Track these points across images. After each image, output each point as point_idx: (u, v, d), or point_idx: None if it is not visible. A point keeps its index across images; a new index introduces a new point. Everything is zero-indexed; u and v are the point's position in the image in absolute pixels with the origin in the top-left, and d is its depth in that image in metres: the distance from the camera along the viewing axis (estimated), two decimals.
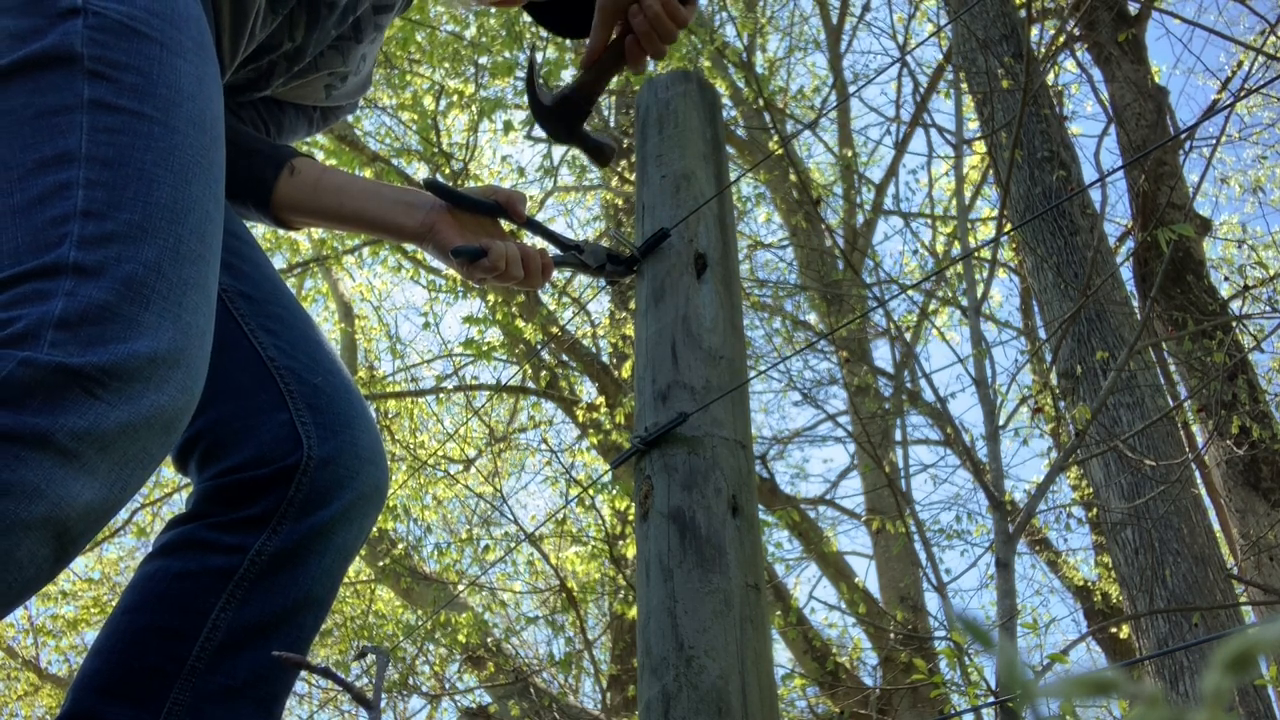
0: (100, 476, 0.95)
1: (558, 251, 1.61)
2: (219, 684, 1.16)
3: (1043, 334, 6.05)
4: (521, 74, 7.86)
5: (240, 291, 1.32)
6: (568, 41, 8.63)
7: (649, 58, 1.52)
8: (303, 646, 1.25)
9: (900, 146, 9.90)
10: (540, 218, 8.35)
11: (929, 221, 9.82)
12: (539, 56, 7.88)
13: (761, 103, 8.77)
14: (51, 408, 0.93)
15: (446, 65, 7.49)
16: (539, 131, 9.59)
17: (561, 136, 1.60)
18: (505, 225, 1.58)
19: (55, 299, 0.96)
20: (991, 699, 3.22)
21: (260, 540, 1.21)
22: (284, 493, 1.22)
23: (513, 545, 8.14)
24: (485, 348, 7.81)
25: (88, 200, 1.00)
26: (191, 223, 1.05)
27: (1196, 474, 5.48)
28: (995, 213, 7.92)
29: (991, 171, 6.38)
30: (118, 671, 1.15)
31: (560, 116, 1.59)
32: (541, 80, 1.62)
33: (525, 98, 1.65)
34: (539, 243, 1.63)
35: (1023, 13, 5.70)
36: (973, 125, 6.93)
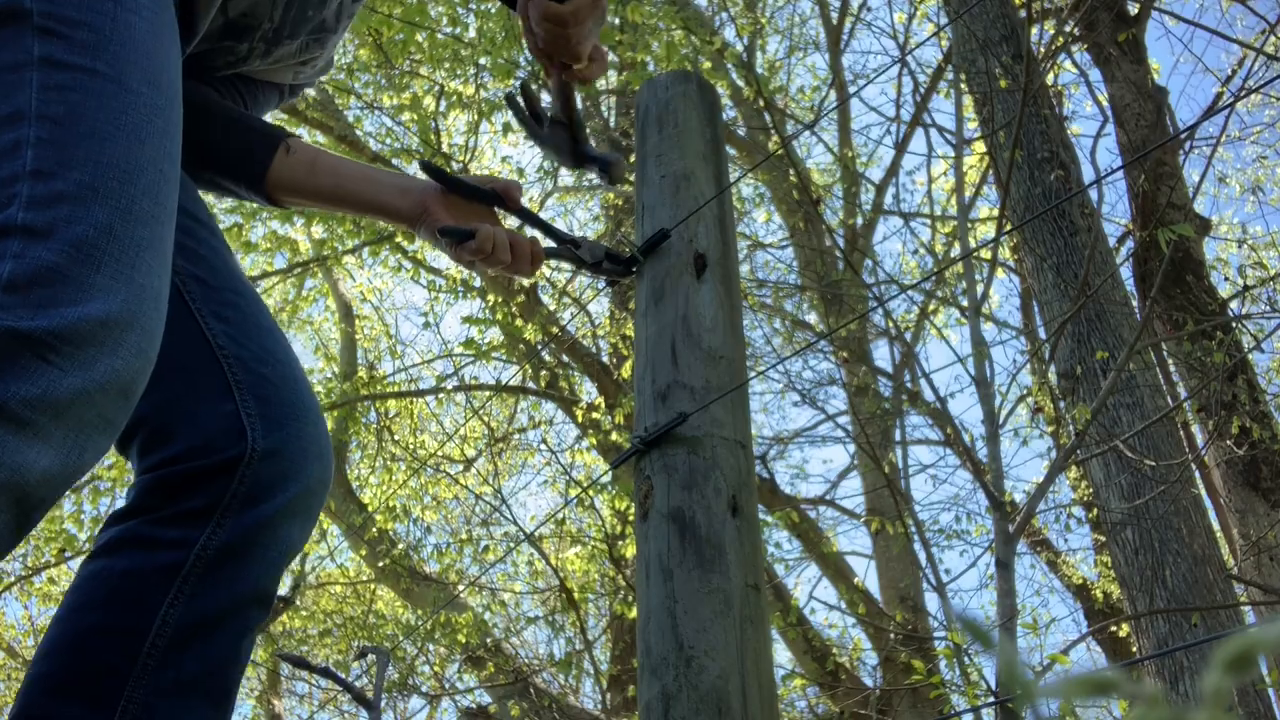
0: (56, 444, 0.93)
1: (553, 244, 1.61)
2: (170, 679, 1.15)
3: (1043, 334, 6.05)
4: (522, 74, 7.87)
5: (194, 275, 1.28)
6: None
7: (587, 73, 1.49)
8: (250, 640, 1.24)
9: (900, 146, 9.90)
10: (541, 218, 8.34)
11: (929, 221, 9.82)
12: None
13: (761, 103, 8.77)
14: (2, 374, 0.91)
15: (447, 66, 7.49)
16: None
17: (569, 162, 1.61)
18: (503, 217, 1.58)
19: (4, 261, 0.94)
20: (991, 699, 3.22)
21: (204, 534, 1.18)
22: (227, 485, 1.19)
23: (513, 545, 8.14)
24: (485, 348, 7.80)
25: (37, 159, 0.98)
26: (145, 183, 1.02)
27: (1196, 474, 5.48)
28: (995, 213, 7.92)
29: (991, 171, 6.38)
30: (69, 672, 1.13)
31: (558, 144, 1.59)
32: (530, 109, 1.61)
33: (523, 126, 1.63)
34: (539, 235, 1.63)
35: (1023, 13, 5.70)
36: (973, 125, 6.92)
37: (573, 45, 1.42)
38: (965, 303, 4.23)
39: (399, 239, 7.50)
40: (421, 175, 1.54)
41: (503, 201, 1.54)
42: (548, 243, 1.61)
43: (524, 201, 1.56)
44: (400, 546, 7.96)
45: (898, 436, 8.50)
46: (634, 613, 2.10)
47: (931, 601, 8.79)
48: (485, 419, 8.92)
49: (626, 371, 7.85)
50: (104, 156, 1.00)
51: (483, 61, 7.37)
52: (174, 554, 1.18)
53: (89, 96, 1.02)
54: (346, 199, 1.47)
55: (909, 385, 9.31)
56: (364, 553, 8.41)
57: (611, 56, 7.84)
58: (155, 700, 1.14)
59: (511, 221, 1.62)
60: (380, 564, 7.95)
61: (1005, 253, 7.53)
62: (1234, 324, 5.73)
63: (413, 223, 1.49)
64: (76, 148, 0.99)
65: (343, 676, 3.25)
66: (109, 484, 6.97)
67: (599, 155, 1.59)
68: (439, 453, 8.60)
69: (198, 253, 1.30)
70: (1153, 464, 4.70)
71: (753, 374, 1.88)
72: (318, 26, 1.46)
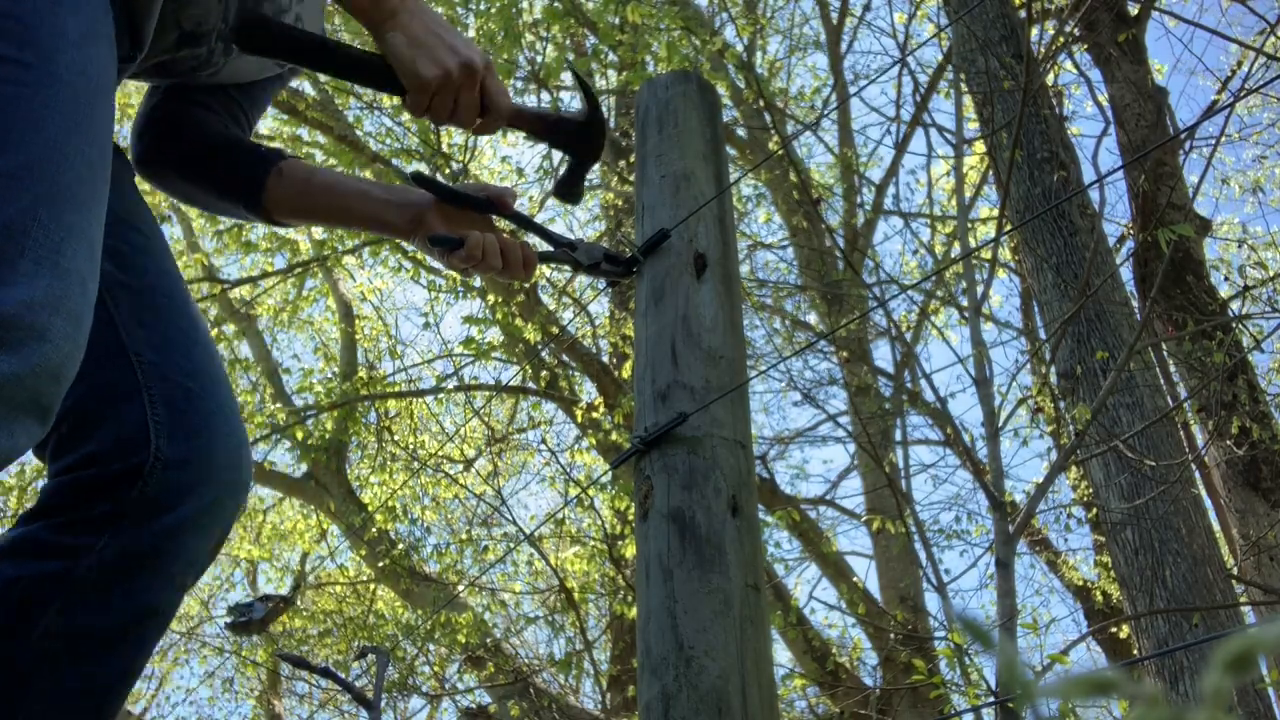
0: None
1: (549, 247, 1.61)
2: (50, 693, 1.12)
3: (1043, 334, 6.05)
4: (521, 74, 7.87)
5: (121, 281, 1.27)
6: (568, 41, 8.64)
7: (482, 130, 1.48)
8: (142, 660, 1.20)
9: (900, 146, 9.90)
10: (540, 218, 8.35)
11: (929, 221, 9.82)
12: (537, 58, 7.88)
13: (761, 103, 8.77)
14: None
15: None
16: None
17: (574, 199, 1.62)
18: (501, 223, 1.58)
19: None
20: (991, 699, 3.22)
21: (101, 542, 1.15)
22: (128, 492, 1.17)
23: (513, 545, 8.14)
24: (485, 348, 7.80)
25: None
26: (72, 170, 1.02)
27: (1196, 474, 5.48)
28: (995, 213, 7.92)
29: (991, 171, 6.38)
30: None
31: (574, 193, 1.60)
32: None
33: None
34: (538, 240, 1.63)
35: (1023, 13, 5.70)
36: (973, 125, 6.93)
37: (443, 120, 1.39)
38: (965, 303, 4.23)
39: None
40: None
41: (496, 208, 1.55)
42: (545, 246, 1.61)
43: (524, 203, 1.56)
44: (400, 546, 7.96)
45: (898, 436, 8.50)
46: (634, 613, 2.10)
47: (931, 601, 8.80)
48: (485, 419, 8.92)
49: (626, 371, 7.85)
50: (31, 143, 1.00)
51: None
52: (64, 562, 1.14)
53: (15, 85, 1.02)
54: (342, 215, 1.50)
55: (909, 385, 9.31)
56: (364, 553, 8.41)
57: (611, 56, 7.85)
58: (34, 714, 1.11)
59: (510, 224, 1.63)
60: (380, 564, 7.94)
61: (1005, 253, 7.53)
62: (1234, 324, 5.73)
63: (408, 234, 1.50)
64: (3, 135, 1.00)
65: (343, 676, 3.25)
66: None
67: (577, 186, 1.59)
68: (439, 453, 8.60)
69: (129, 259, 1.29)
70: (1153, 464, 4.70)
71: (753, 374, 1.88)
72: (275, 10, 1.44)
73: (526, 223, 1.62)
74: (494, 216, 1.57)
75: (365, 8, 1.31)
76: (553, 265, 1.66)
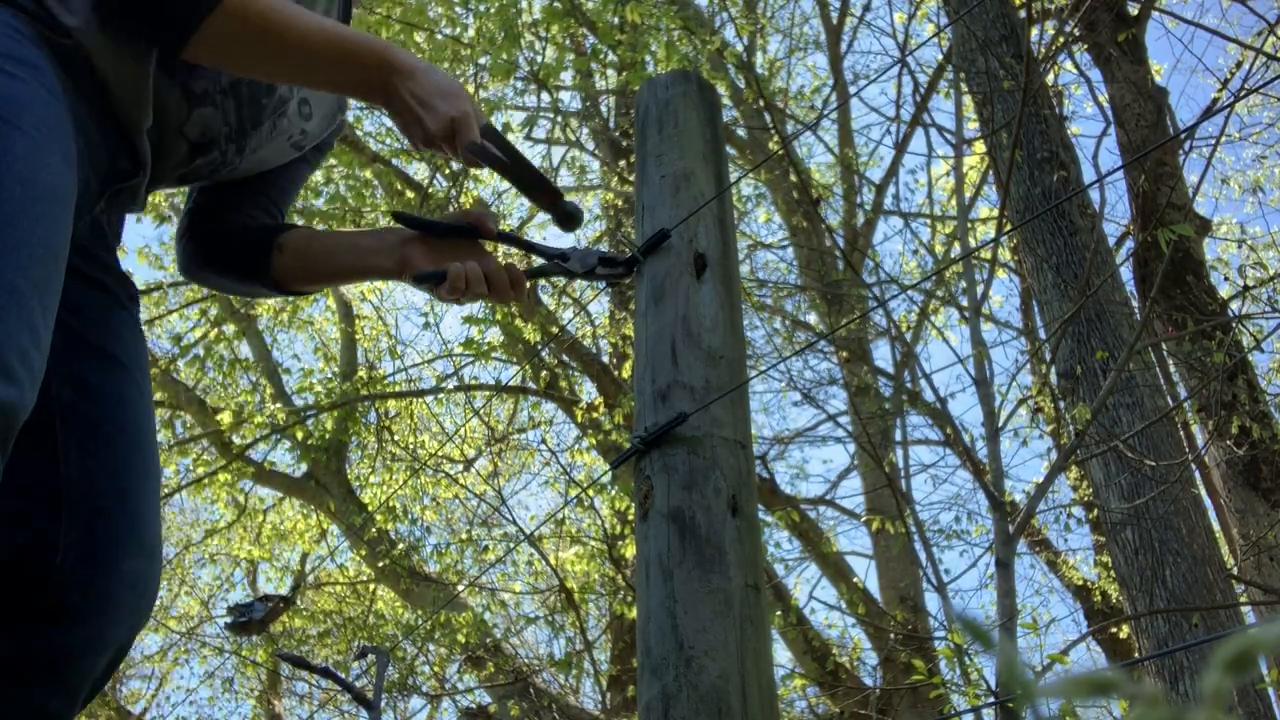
0: None
1: (544, 261, 1.62)
2: None
3: (1043, 334, 6.05)
4: (521, 74, 7.87)
5: (75, 404, 1.31)
6: (567, 41, 8.63)
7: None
8: None
9: (900, 146, 9.90)
10: (539, 218, 8.36)
11: (929, 221, 9.82)
12: (536, 59, 7.88)
13: (761, 103, 8.77)
14: None
15: (446, 66, 7.48)
16: (538, 132, 9.60)
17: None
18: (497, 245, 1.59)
19: None
20: (991, 699, 3.22)
21: None
22: (27, 599, 1.19)
23: (513, 546, 8.14)
24: (485, 348, 7.80)
25: None
26: (15, 261, 1.08)
27: (1196, 474, 5.48)
28: (995, 213, 7.92)
29: (991, 171, 6.38)
30: None
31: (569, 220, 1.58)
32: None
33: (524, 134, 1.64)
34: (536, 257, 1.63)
35: (1023, 13, 5.70)
36: (973, 125, 6.93)
37: (436, 143, 1.43)
38: (965, 303, 4.23)
39: None
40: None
41: (478, 233, 1.56)
42: (539, 260, 1.61)
43: (524, 207, 1.56)
44: (400, 546, 7.96)
45: (898, 436, 8.50)
46: (634, 613, 2.10)
47: (931, 601, 8.80)
48: (485, 419, 8.91)
49: (626, 371, 7.86)
50: None
51: (482, 61, 7.37)
52: None
53: None
54: (342, 273, 1.61)
55: (909, 385, 9.31)
56: (364, 553, 8.41)
57: (611, 56, 7.85)
58: None
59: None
60: (380, 564, 7.94)
61: (1005, 253, 7.53)
62: (1234, 324, 5.73)
63: (398, 274, 1.57)
64: None
65: (343, 676, 3.25)
66: None
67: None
68: (439, 453, 8.60)
69: (90, 386, 1.33)
70: (1153, 464, 4.69)
71: (753, 374, 1.88)
72: (275, 106, 1.50)
73: (513, 240, 1.64)
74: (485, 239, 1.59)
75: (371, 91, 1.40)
76: (541, 277, 1.66)
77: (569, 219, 1.51)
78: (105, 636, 1.25)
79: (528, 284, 1.57)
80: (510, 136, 7.83)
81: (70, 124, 1.23)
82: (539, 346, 8.06)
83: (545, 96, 8.52)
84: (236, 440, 8.14)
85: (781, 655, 8.27)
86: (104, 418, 1.31)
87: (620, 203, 8.89)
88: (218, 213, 1.61)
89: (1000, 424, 3.70)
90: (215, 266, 1.63)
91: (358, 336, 9.29)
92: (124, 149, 1.36)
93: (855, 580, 8.63)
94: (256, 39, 1.30)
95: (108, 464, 1.29)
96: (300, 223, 1.71)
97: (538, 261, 1.61)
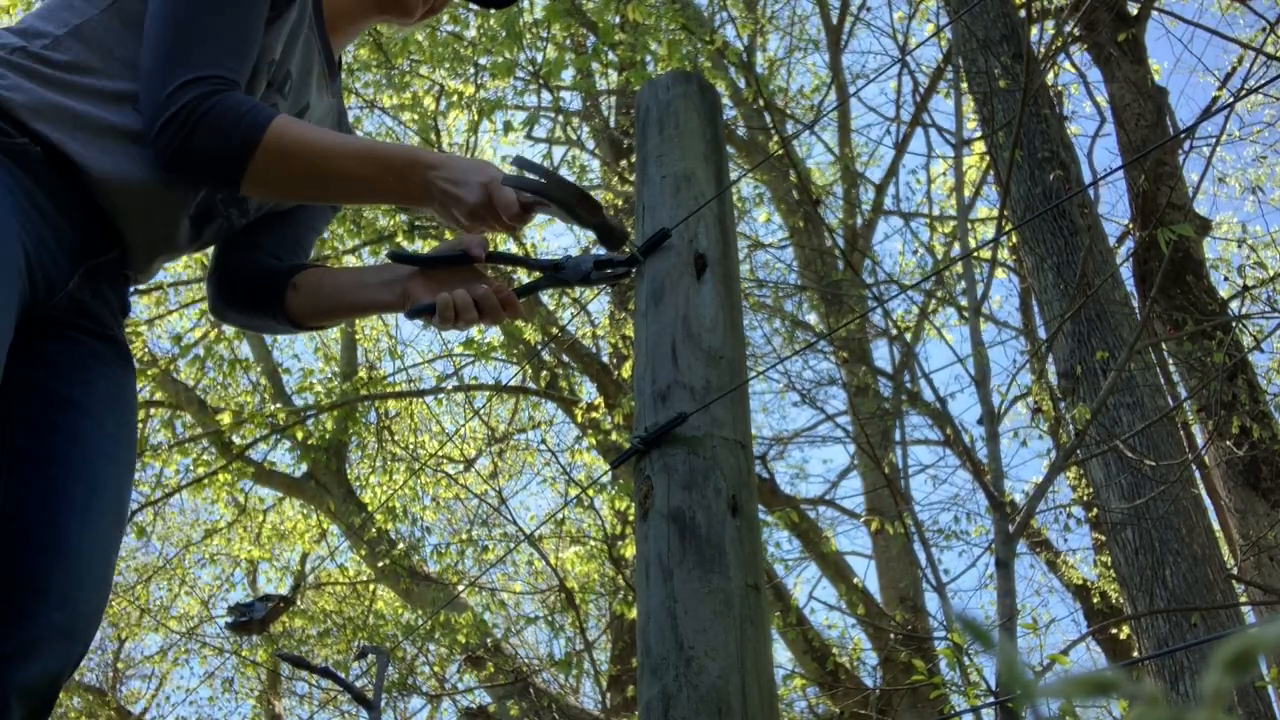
0: None
1: (539, 274, 1.63)
2: None
3: (1043, 334, 6.05)
4: (522, 75, 7.86)
5: (25, 449, 1.36)
6: (568, 40, 8.62)
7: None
8: None
9: (900, 146, 9.90)
10: (538, 219, 8.34)
11: (928, 221, 9.82)
12: (537, 58, 7.88)
13: (761, 103, 8.77)
14: None
15: (447, 65, 7.48)
16: (539, 131, 9.60)
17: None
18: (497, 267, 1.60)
19: None
20: (991, 699, 3.22)
21: None
22: None
23: (513, 546, 8.14)
24: (485, 348, 7.80)
25: None
26: None
27: (1196, 474, 5.48)
28: (995, 213, 7.92)
29: (991, 171, 6.38)
30: None
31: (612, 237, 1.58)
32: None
33: (527, 157, 1.67)
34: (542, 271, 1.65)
35: (1023, 13, 5.70)
36: (973, 125, 6.92)
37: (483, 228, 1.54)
38: (965, 303, 4.23)
39: (399, 239, 7.50)
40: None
41: (469, 259, 1.61)
42: (535, 274, 1.63)
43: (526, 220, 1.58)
44: (400, 546, 7.96)
45: (898, 436, 8.50)
46: (634, 613, 2.10)
47: (931, 601, 8.79)
48: (485, 419, 8.91)
49: (626, 371, 7.85)
50: None
51: (483, 61, 7.36)
52: None
53: None
54: (351, 309, 1.70)
55: (909, 385, 9.31)
56: (364, 553, 8.41)
57: (611, 56, 7.85)
58: None
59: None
60: (380, 564, 7.94)
61: (1005, 253, 7.52)
62: (1234, 324, 5.73)
63: (400, 308, 1.64)
64: None
65: (343, 676, 3.25)
66: None
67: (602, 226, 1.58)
68: (439, 453, 8.60)
69: (43, 431, 1.38)
70: (1153, 464, 4.69)
71: (753, 374, 1.88)
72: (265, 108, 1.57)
73: (506, 259, 1.67)
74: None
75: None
76: (534, 292, 1.67)
77: (611, 235, 1.53)
78: (31, 681, 1.28)
79: (520, 301, 1.61)
80: (510, 136, 7.84)
81: (15, 216, 1.31)
82: (539, 346, 8.06)
83: (546, 96, 8.52)
84: (236, 440, 8.13)
85: (781, 655, 8.28)
86: (55, 459, 1.37)
87: (620, 203, 8.89)
88: (240, 254, 1.70)
89: (1000, 424, 3.69)
90: (236, 306, 1.72)
91: (358, 336, 9.29)
92: (99, 230, 1.45)
93: (855, 580, 8.63)
94: (301, 168, 1.44)
95: (57, 519, 1.34)
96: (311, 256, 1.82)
97: (534, 275, 1.63)
